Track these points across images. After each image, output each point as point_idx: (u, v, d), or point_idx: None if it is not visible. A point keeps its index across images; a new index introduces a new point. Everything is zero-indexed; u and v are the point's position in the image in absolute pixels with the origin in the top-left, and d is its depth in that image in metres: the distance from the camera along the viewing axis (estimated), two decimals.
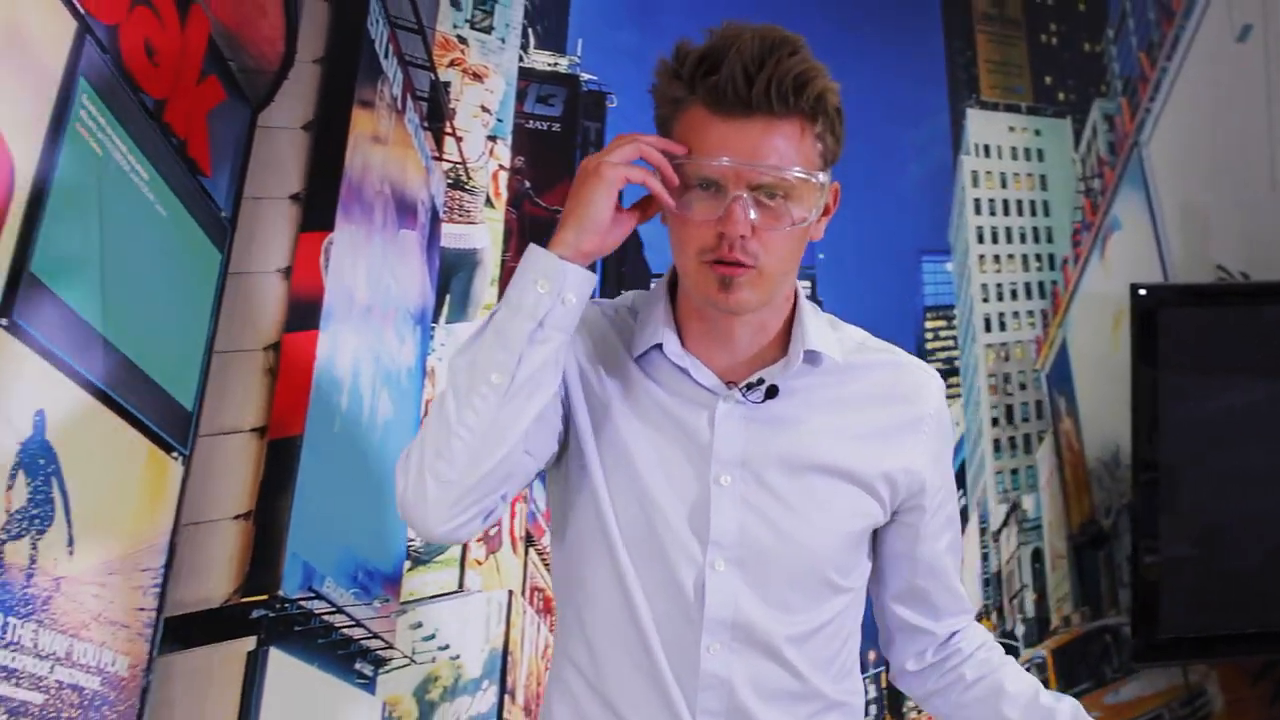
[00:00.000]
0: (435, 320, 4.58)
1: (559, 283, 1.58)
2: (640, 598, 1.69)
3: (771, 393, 1.72)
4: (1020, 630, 4.77)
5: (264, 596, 4.64)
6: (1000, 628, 4.80)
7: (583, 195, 1.58)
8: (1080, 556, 4.68)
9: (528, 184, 4.12)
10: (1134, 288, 3.85)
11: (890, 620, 1.92)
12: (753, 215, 1.59)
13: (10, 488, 3.26)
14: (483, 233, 4.78)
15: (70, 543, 3.51)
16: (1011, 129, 5.19)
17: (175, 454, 4.09)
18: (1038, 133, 5.12)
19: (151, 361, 3.65)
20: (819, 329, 1.77)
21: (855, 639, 1.82)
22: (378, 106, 3.58)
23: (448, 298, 4.48)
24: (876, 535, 1.84)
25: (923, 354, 4.77)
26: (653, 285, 1.85)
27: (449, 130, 3.80)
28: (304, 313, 3.87)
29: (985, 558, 4.55)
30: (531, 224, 4.27)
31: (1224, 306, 3.81)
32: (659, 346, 1.75)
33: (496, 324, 1.60)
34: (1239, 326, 3.76)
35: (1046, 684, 4.17)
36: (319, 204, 3.68)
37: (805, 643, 1.72)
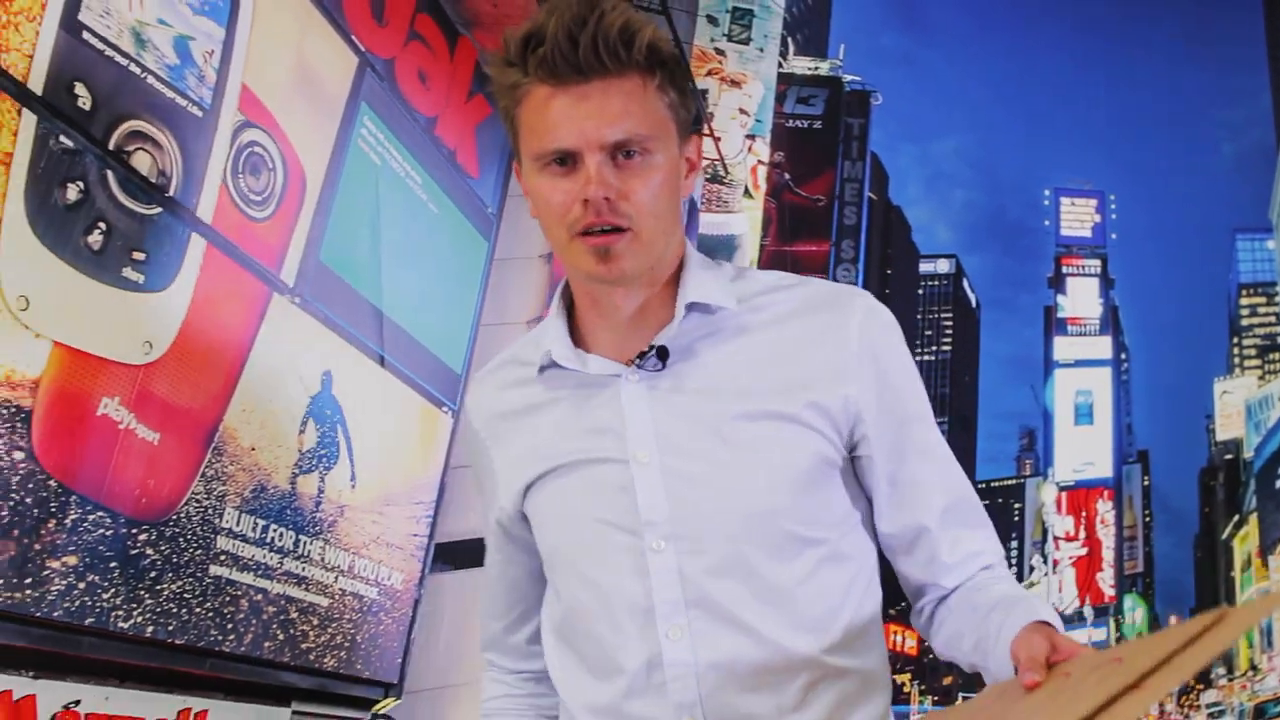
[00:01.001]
0: None
1: None
2: (598, 605, 1.60)
3: (663, 354, 1.60)
4: None
5: None
6: None
7: None
8: None
9: (787, 176, 4.41)
10: None
11: (897, 571, 1.73)
12: (611, 178, 1.49)
13: (302, 432, 3.88)
14: (741, 220, 5.03)
15: (353, 478, 4.09)
16: None
17: (445, 409, 4.64)
18: None
19: (425, 332, 4.20)
20: (703, 281, 1.64)
21: (858, 598, 1.62)
22: None
23: None
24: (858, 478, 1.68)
25: (1237, 331, 4.70)
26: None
27: (707, 132, 4.14)
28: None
29: None
30: (791, 212, 4.54)
31: None
32: (554, 361, 1.65)
33: None
34: None
35: None
36: None
37: (780, 606, 1.55)
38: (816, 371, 1.59)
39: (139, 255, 3.21)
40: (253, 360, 3.63)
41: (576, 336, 1.66)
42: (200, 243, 3.40)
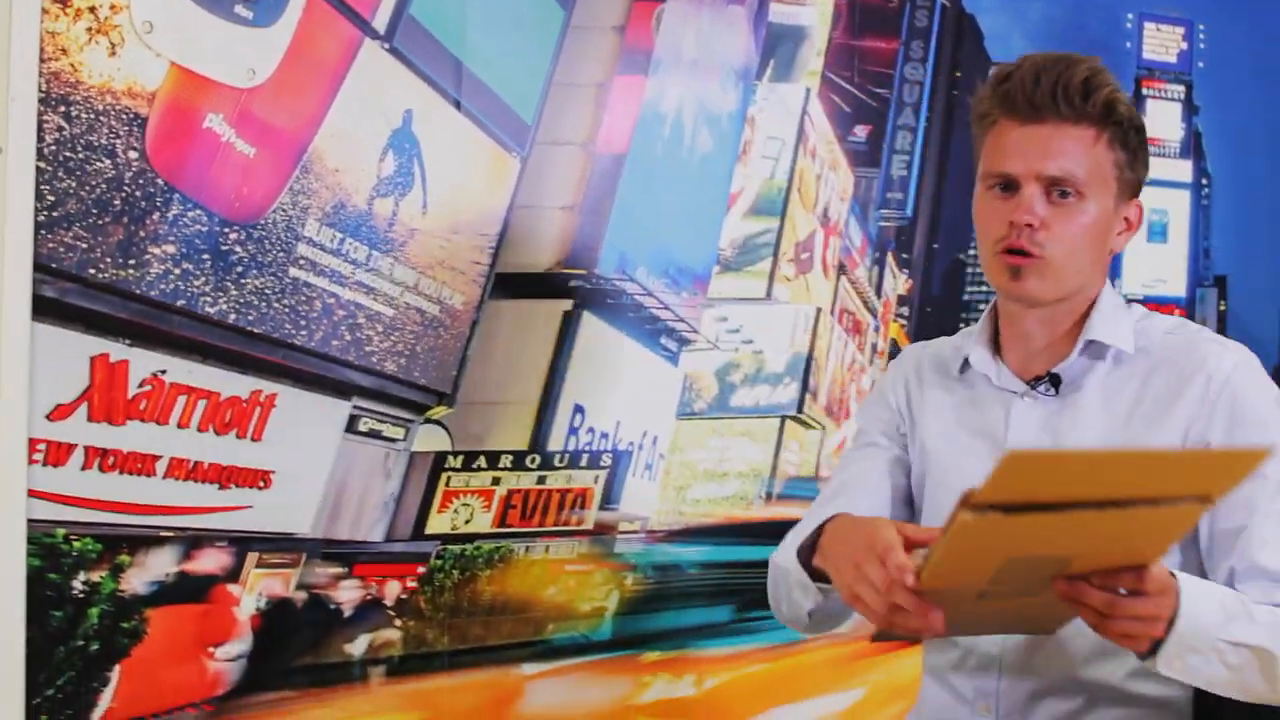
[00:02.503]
0: (759, 78, 5.18)
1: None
2: None
3: (1055, 381, 1.68)
4: None
5: (582, 271, 5.50)
6: None
7: (840, 582, 1.47)
8: None
9: None
10: None
11: None
12: (1040, 209, 1.59)
13: (382, 160, 4.27)
14: (810, 13, 5.20)
15: (424, 205, 4.44)
16: None
17: (514, 154, 4.96)
18: None
19: (501, 84, 4.50)
20: (1108, 320, 1.70)
21: None
22: None
23: (773, 61, 5.07)
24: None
25: None
26: None
27: None
28: (635, 63, 4.57)
29: None
30: (861, 9, 4.73)
31: None
32: (968, 362, 1.76)
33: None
34: None
35: None
36: None
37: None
38: (1178, 420, 1.62)
39: None
40: (343, 94, 3.97)
41: (995, 349, 1.75)
42: None
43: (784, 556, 1.66)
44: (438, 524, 5.40)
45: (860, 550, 1.39)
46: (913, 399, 1.82)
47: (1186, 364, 1.64)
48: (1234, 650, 1.40)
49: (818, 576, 1.56)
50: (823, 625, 1.70)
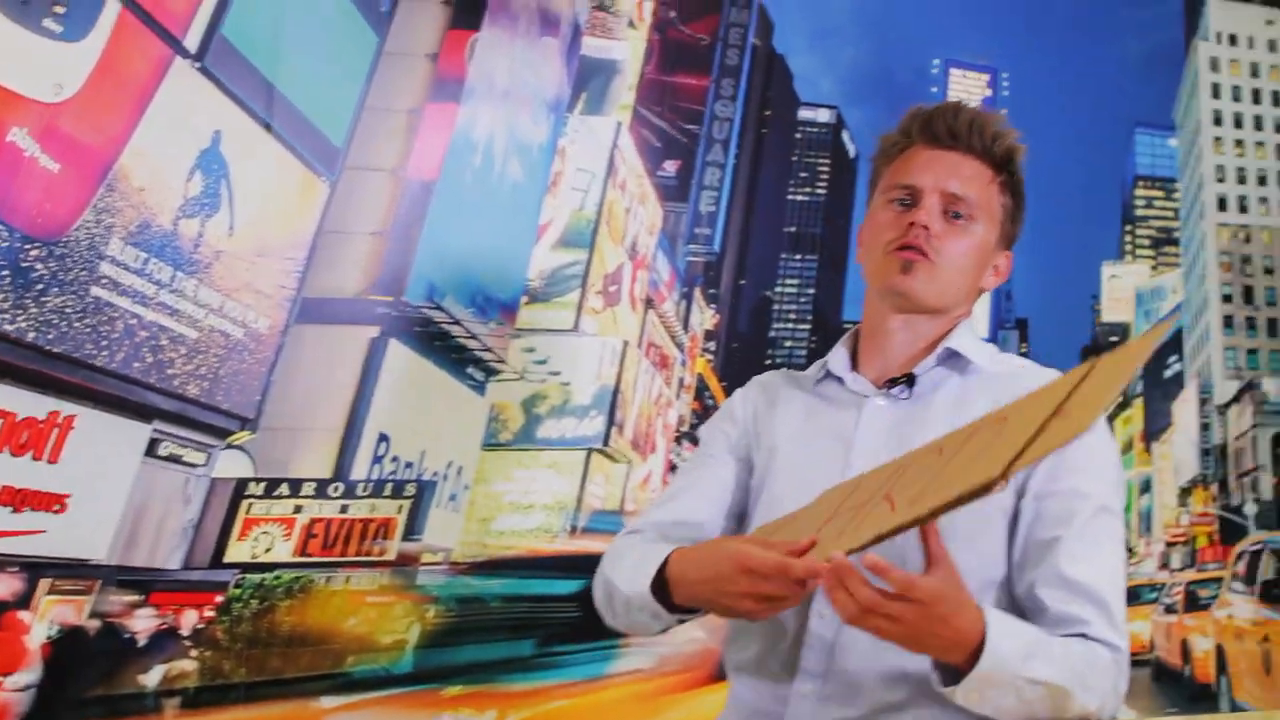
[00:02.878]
0: (571, 110, 5.28)
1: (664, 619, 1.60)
2: None
3: (909, 381, 1.73)
4: (1251, 510, 4.68)
5: (390, 298, 5.53)
6: (1223, 500, 4.71)
7: (719, 606, 1.50)
8: None
9: (673, 13, 4.71)
10: None
11: None
12: (937, 222, 1.70)
13: (189, 179, 4.23)
14: (623, 48, 5.30)
15: (231, 227, 4.44)
16: (1270, 22, 5.21)
17: (324, 178, 4.97)
18: None
19: (312, 107, 4.53)
20: (967, 339, 1.77)
21: None
22: None
23: (584, 94, 5.15)
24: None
25: (1130, 219, 4.95)
26: None
27: None
28: (448, 90, 4.62)
29: (1205, 428, 4.54)
30: (674, 46, 4.83)
31: None
32: (829, 372, 1.80)
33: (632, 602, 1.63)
34: None
35: None
36: (468, 8, 4.42)
37: None
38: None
39: (59, 9, 3.49)
40: (151, 113, 3.96)
41: (854, 365, 1.79)
42: (115, 4, 3.69)
43: (627, 584, 1.64)
44: (237, 552, 5.34)
45: (732, 578, 1.44)
46: (760, 414, 1.84)
47: (1035, 387, 1.61)
48: (1031, 687, 1.43)
49: (672, 606, 1.58)
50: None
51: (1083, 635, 1.53)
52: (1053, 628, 1.52)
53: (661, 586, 1.56)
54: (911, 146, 1.75)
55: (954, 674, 1.42)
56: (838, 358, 1.79)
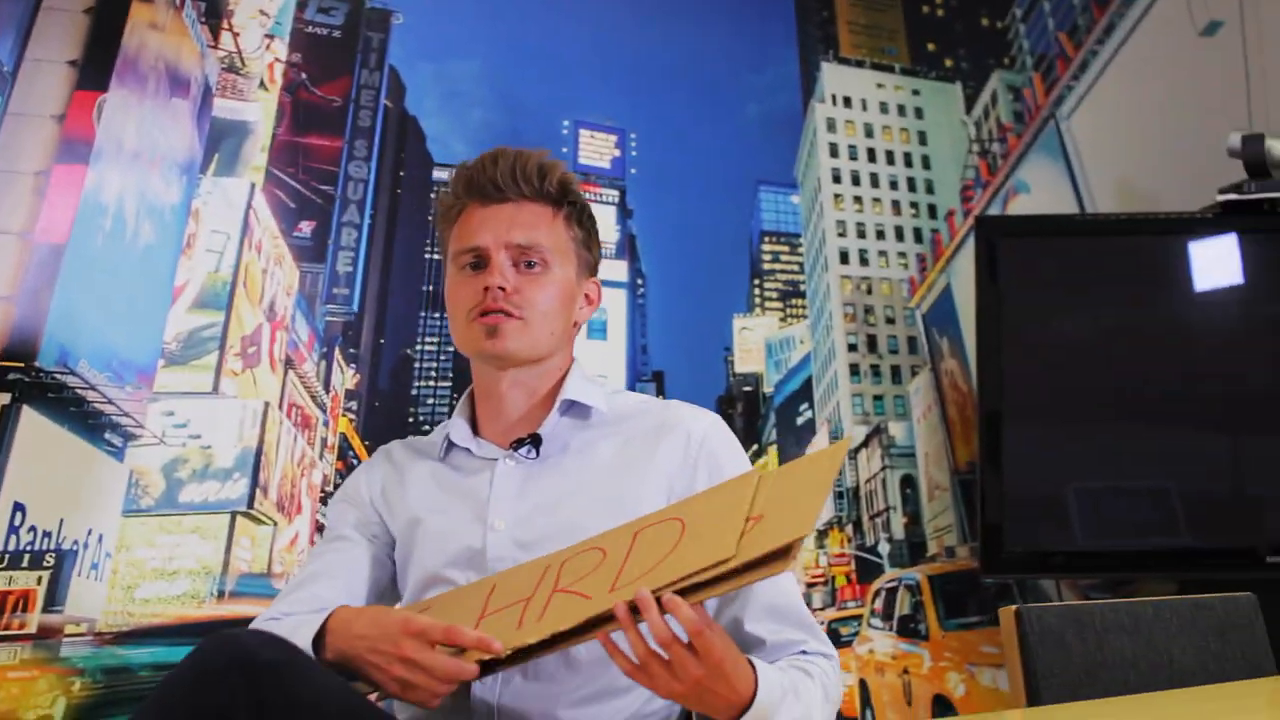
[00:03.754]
0: (204, 172, 5.21)
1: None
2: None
3: (535, 443, 1.74)
4: (885, 549, 4.72)
5: (20, 364, 5.34)
6: (858, 541, 4.77)
7: (366, 665, 1.44)
8: (968, 493, 4.47)
9: (304, 75, 4.70)
10: (978, 219, 3.60)
11: None
12: (511, 277, 1.70)
13: None
14: (255, 109, 5.34)
15: None
16: (880, 85, 5.28)
17: None
18: (915, 92, 5.19)
19: None
20: (581, 386, 1.79)
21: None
22: (157, 1, 4.22)
23: (217, 156, 5.14)
24: None
25: (758, 274, 4.97)
26: None
27: (225, 26, 4.43)
28: (76, 152, 4.53)
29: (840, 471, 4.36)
30: (306, 108, 4.81)
31: (1067, 237, 3.27)
32: (450, 441, 1.79)
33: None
34: (1080, 256, 3.20)
35: (921, 606, 4.53)
36: (95, 69, 4.32)
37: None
38: (658, 473, 1.70)
39: None
40: None
41: (475, 430, 1.80)
42: None
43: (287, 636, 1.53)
44: None
45: (395, 638, 1.42)
46: (389, 489, 1.83)
47: (664, 423, 1.75)
48: None
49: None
50: None
51: (803, 653, 1.60)
52: (773, 655, 1.58)
53: (319, 639, 1.49)
54: (467, 207, 1.78)
55: None
56: (458, 429, 1.80)
